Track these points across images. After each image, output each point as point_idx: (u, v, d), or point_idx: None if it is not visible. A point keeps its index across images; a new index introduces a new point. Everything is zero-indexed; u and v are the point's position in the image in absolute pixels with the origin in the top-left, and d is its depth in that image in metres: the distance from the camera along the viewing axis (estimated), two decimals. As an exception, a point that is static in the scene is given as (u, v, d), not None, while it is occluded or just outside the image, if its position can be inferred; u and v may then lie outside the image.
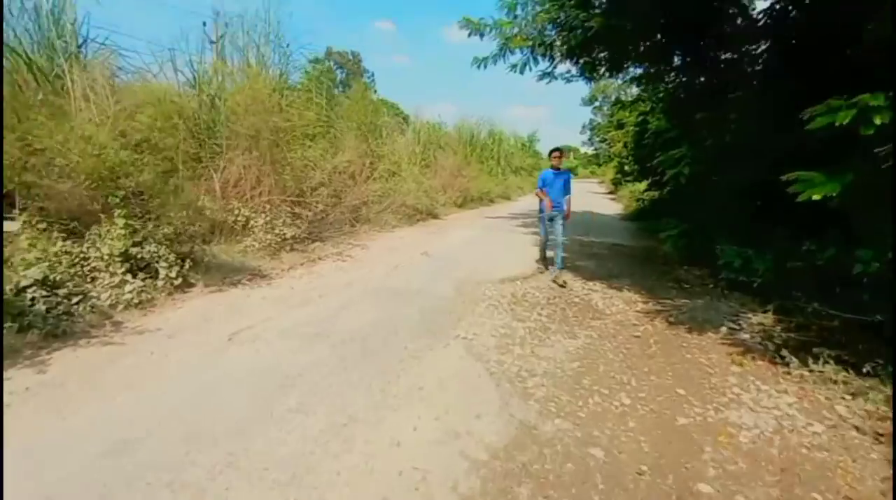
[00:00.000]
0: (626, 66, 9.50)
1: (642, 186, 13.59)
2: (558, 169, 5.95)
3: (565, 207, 5.82)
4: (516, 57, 8.59)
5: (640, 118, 11.54)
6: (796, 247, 4.11)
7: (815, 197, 3.16)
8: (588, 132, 54.94)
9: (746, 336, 3.73)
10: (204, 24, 7.06)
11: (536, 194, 6.01)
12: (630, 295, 4.95)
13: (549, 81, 9.96)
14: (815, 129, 3.14)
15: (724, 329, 3.91)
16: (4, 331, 2.99)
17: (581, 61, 9.52)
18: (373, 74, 57.24)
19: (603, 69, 9.69)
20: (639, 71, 9.88)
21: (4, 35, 4.72)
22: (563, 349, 3.43)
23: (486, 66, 8.60)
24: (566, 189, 5.88)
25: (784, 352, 3.22)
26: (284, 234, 5.93)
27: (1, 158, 3.76)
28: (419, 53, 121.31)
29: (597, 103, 50.33)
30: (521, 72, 8.66)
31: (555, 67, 9.71)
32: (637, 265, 6.56)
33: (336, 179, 7.94)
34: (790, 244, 4.21)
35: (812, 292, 4.26)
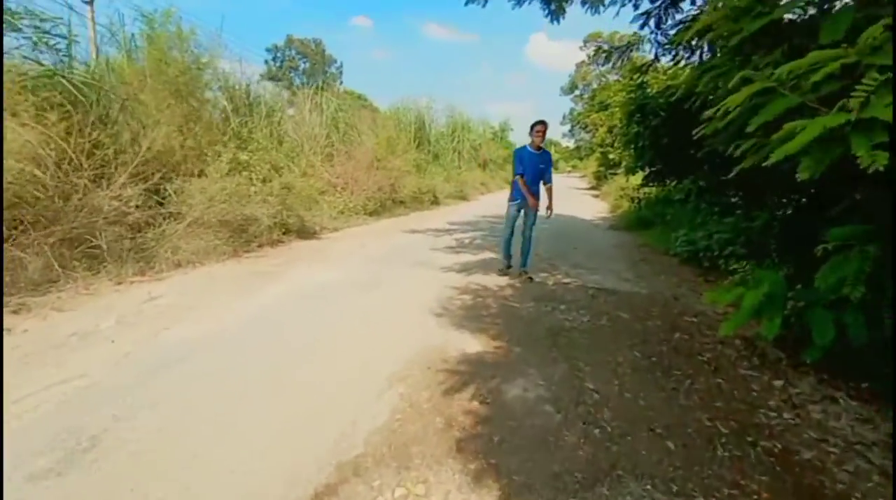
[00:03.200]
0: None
1: (637, 179, 9.74)
2: (539, 148, 4.65)
3: (540, 197, 4.75)
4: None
5: (638, 80, 7.61)
6: None
7: None
8: (569, 123, 51.53)
9: None
10: None
11: (516, 182, 4.68)
12: None
13: (485, 4, 6.12)
14: None
15: None
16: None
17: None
18: (341, 65, 52.49)
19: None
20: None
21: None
22: None
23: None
24: (545, 174, 4.70)
25: None
26: None
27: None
28: (399, 50, 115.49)
29: (577, 92, 46.98)
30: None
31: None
32: (660, 378, 2.64)
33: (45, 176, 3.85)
34: None
35: None
